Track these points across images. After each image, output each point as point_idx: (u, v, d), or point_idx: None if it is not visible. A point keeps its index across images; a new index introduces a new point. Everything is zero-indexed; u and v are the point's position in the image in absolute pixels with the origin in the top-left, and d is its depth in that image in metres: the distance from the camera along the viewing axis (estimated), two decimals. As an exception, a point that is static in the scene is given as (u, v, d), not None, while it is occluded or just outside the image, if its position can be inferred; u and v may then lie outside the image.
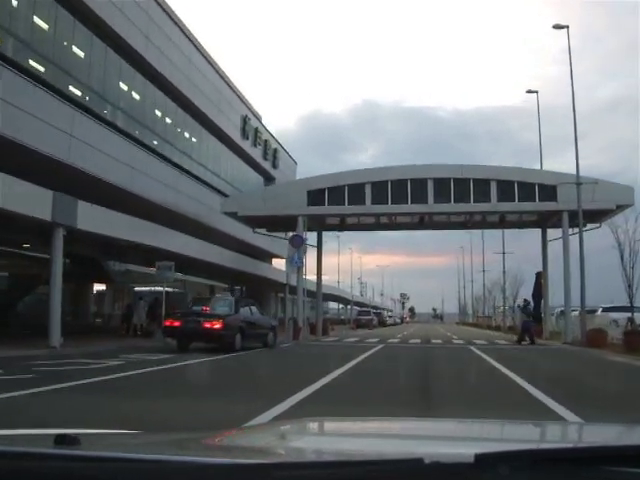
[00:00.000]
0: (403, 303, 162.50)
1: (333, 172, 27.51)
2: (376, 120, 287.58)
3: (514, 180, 25.83)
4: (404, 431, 2.01)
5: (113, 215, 18.71)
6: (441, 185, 26.15)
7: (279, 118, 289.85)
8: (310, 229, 31.85)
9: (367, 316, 62.06)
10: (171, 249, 24.03)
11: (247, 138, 34.43)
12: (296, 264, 25.97)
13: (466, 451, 1.08)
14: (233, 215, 27.40)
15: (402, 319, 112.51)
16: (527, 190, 25.78)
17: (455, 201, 26.01)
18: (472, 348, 20.44)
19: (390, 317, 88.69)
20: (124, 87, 22.85)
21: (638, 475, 1.05)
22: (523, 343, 23.80)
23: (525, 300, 27.34)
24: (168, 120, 26.14)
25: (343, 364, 12.61)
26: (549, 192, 25.57)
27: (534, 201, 25.70)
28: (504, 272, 48.20)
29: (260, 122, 38.35)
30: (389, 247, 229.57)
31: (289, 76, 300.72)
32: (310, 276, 30.81)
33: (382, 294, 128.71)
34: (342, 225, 30.89)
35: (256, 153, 36.21)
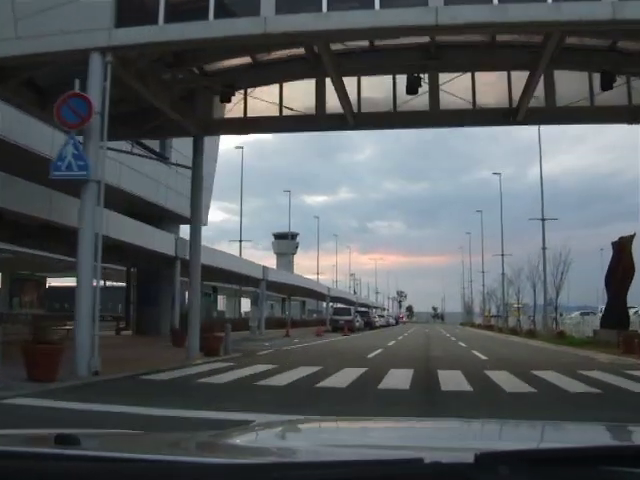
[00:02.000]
0: (400, 302, 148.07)
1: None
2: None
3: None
4: (404, 431, 1.96)
5: None
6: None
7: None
8: (188, 133, 15.62)
9: (346, 316, 45.19)
10: None
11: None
12: (68, 173, 9.43)
13: (466, 451, 1.07)
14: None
15: (397, 319, 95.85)
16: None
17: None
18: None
19: (381, 317, 71.87)
20: None
21: (637, 475, 1.04)
22: None
23: None
24: None
25: None
26: None
27: None
28: (544, 248, 31.53)
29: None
30: (387, 247, 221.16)
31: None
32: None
33: (377, 292, 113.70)
34: (246, 124, 14.21)
35: None
